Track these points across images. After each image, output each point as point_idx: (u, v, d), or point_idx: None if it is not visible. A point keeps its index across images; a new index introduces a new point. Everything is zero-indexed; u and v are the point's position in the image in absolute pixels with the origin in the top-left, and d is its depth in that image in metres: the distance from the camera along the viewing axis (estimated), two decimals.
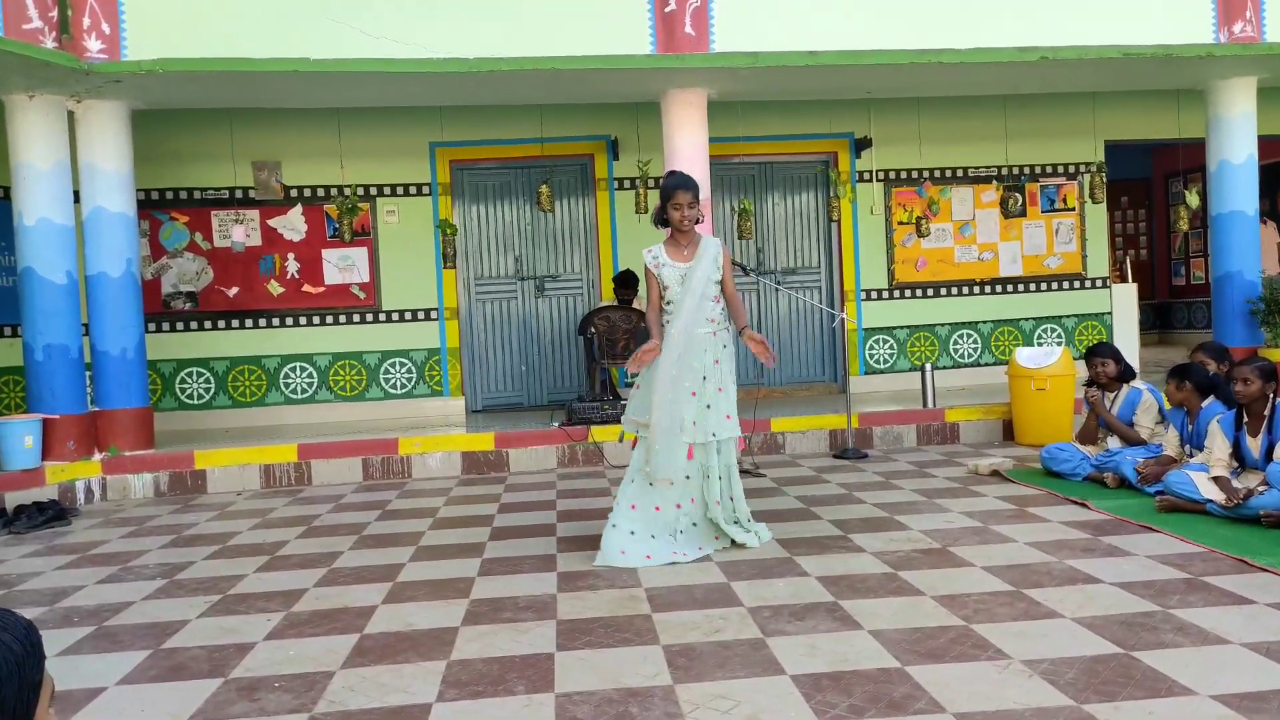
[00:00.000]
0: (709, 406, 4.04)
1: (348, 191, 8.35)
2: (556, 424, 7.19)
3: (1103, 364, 5.63)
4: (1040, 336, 9.38)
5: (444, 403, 8.70)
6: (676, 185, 4.03)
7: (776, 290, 9.26)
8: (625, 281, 8.05)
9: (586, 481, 6.35)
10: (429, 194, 8.71)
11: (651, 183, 8.21)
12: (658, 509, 3.94)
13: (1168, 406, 5.38)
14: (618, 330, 7.60)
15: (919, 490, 5.52)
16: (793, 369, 9.34)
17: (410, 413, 8.59)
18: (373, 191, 8.62)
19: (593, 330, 8.00)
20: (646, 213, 7.92)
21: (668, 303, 4.08)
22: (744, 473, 6.51)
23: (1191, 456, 4.95)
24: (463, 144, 8.71)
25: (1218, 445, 4.59)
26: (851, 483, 5.88)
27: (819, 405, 8.18)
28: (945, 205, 9.25)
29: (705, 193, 7.04)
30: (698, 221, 4.09)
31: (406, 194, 8.68)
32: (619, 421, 7.14)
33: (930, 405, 7.50)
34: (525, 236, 9.04)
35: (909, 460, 6.66)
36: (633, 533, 3.89)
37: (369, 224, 8.61)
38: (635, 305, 8.03)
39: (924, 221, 8.73)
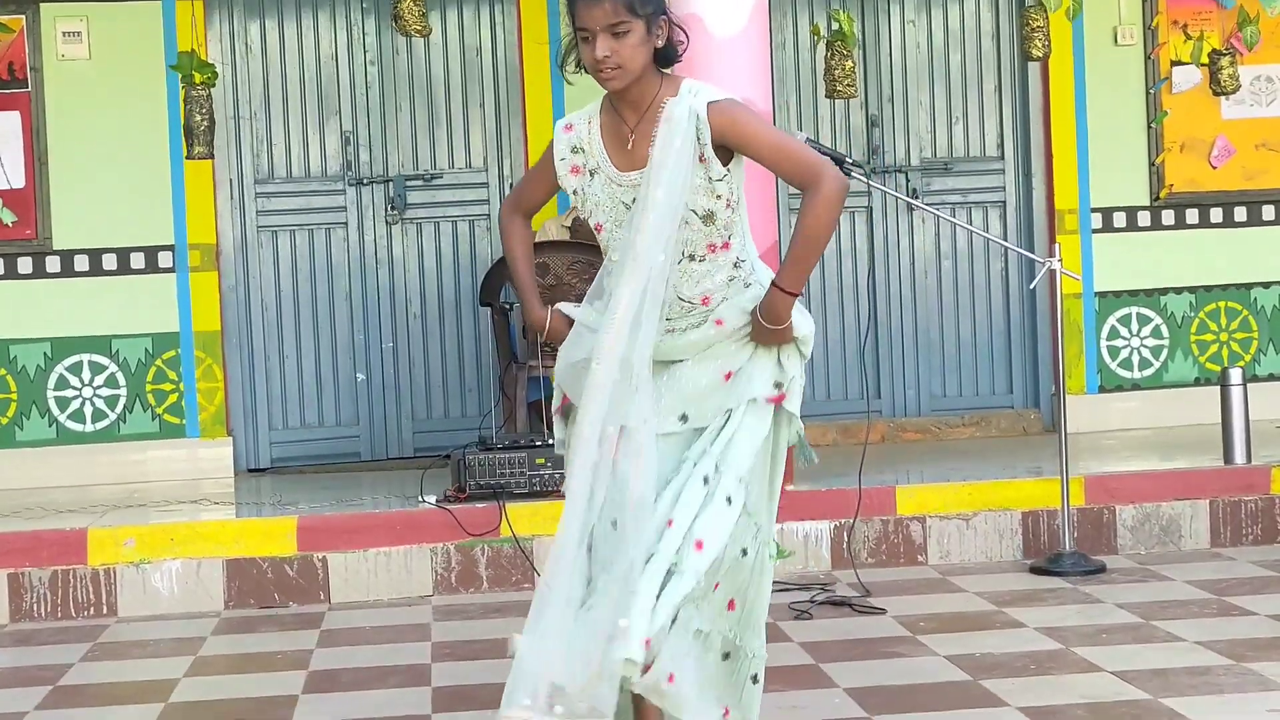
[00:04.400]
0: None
1: None
2: (432, 499, 7.17)
3: None
4: None
5: (189, 452, 8.70)
6: None
7: (909, 210, 9.22)
8: None
9: (498, 624, 6.31)
10: None
11: None
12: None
13: None
14: (565, 293, 7.55)
15: (1227, 651, 5.49)
16: (944, 381, 9.35)
17: (115, 472, 8.57)
18: None
19: (510, 296, 7.92)
20: None
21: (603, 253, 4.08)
22: (823, 602, 6.47)
23: None
24: None
25: None
26: (1071, 631, 5.86)
27: (999, 459, 8.11)
28: (1272, 25, 9.19)
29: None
30: (671, 63, 4.01)
31: None
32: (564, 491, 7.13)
33: (1240, 459, 7.49)
34: (364, 92, 9.00)
35: (1196, 578, 6.63)
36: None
37: (22, 62, 8.53)
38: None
39: (1228, 61, 8.71)
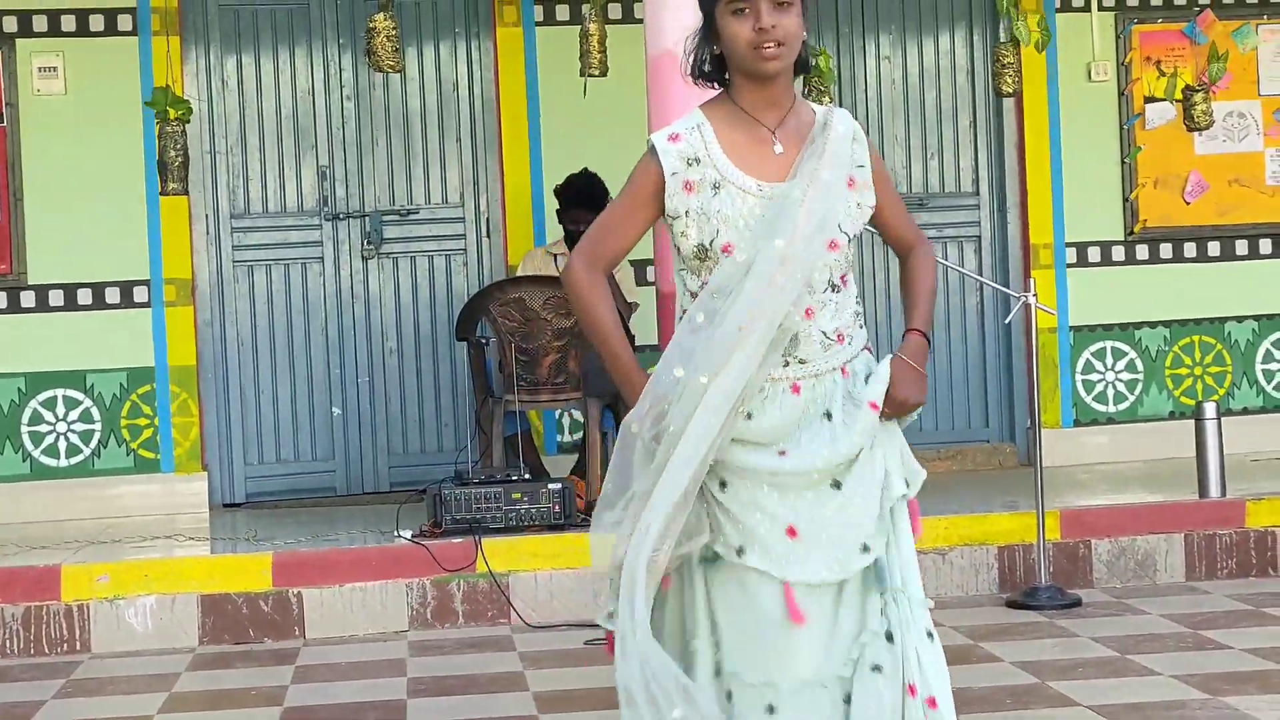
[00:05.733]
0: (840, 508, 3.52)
1: None
2: (408, 534, 7.15)
3: None
4: None
5: (163, 487, 8.67)
6: None
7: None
8: (578, 199, 8.04)
9: (473, 660, 6.30)
10: (133, 33, 8.67)
11: (623, 9, 8.16)
12: None
13: None
14: (541, 328, 7.54)
15: (1203, 685, 5.49)
16: (919, 415, 9.26)
17: (89, 508, 8.53)
18: (9, 28, 8.56)
19: (486, 331, 7.90)
20: (599, 70, 7.90)
21: (716, 289, 3.43)
22: None
23: None
24: None
25: None
26: (1048, 665, 5.86)
27: (975, 493, 8.13)
28: (1244, 62, 9.28)
29: None
30: (806, 68, 3.62)
31: (83, 33, 8.64)
32: (541, 526, 7.10)
33: (1215, 493, 7.51)
34: (343, 127, 9.00)
35: (1172, 612, 6.63)
36: None
37: None
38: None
39: (1201, 97, 8.75)
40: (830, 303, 3.49)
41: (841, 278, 3.52)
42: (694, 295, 3.48)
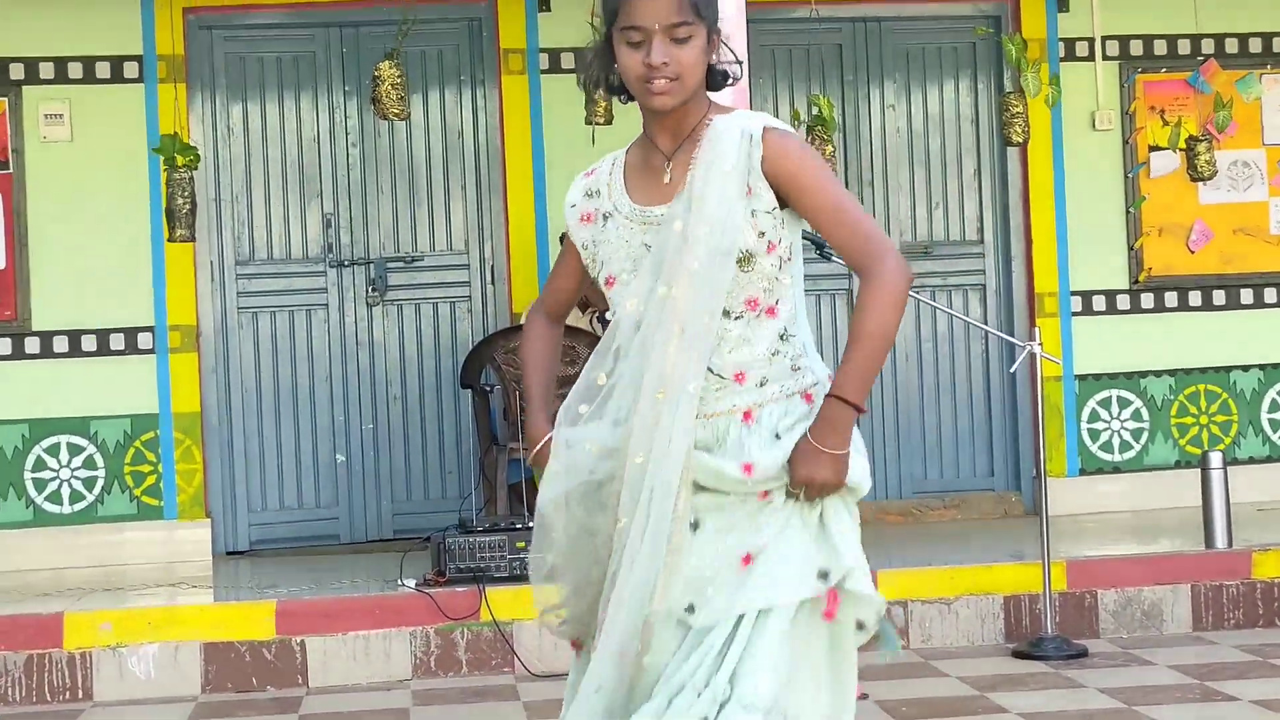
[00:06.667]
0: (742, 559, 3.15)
1: None
2: (412, 583, 7.15)
3: None
4: None
5: (167, 534, 8.66)
6: None
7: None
8: None
9: (477, 709, 6.31)
10: (139, 80, 8.72)
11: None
12: None
13: None
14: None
15: None
16: (925, 464, 9.35)
17: (92, 554, 8.54)
18: (15, 75, 8.61)
19: (491, 379, 7.90)
20: (605, 119, 7.91)
21: (607, 315, 3.40)
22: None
23: None
24: None
25: None
26: (1054, 716, 5.86)
27: (981, 543, 8.13)
28: (1249, 111, 9.32)
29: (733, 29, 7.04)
30: (720, 86, 3.30)
31: (90, 80, 8.69)
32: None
33: (1221, 543, 7.51)
34: (348, 174, 9.04)
35: (1179, 663, 6.63)
36: None
37: (5, 145, 8.56)
38: (605, 318, 8.03)
39: (1205, 147, 8.77)
40: (724, 334, 3.13)
41: (749, 303, 3.15)
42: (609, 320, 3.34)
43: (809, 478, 3.08)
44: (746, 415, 3.15)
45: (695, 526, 3.14)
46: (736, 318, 3.14)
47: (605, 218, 3.28)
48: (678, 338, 3.11)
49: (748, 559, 3.11)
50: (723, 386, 3.14)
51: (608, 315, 3.17)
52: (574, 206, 3.36)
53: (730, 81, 3.31)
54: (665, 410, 3.11)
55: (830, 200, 3.16)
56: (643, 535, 3.10)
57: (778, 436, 3.15)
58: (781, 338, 3.18)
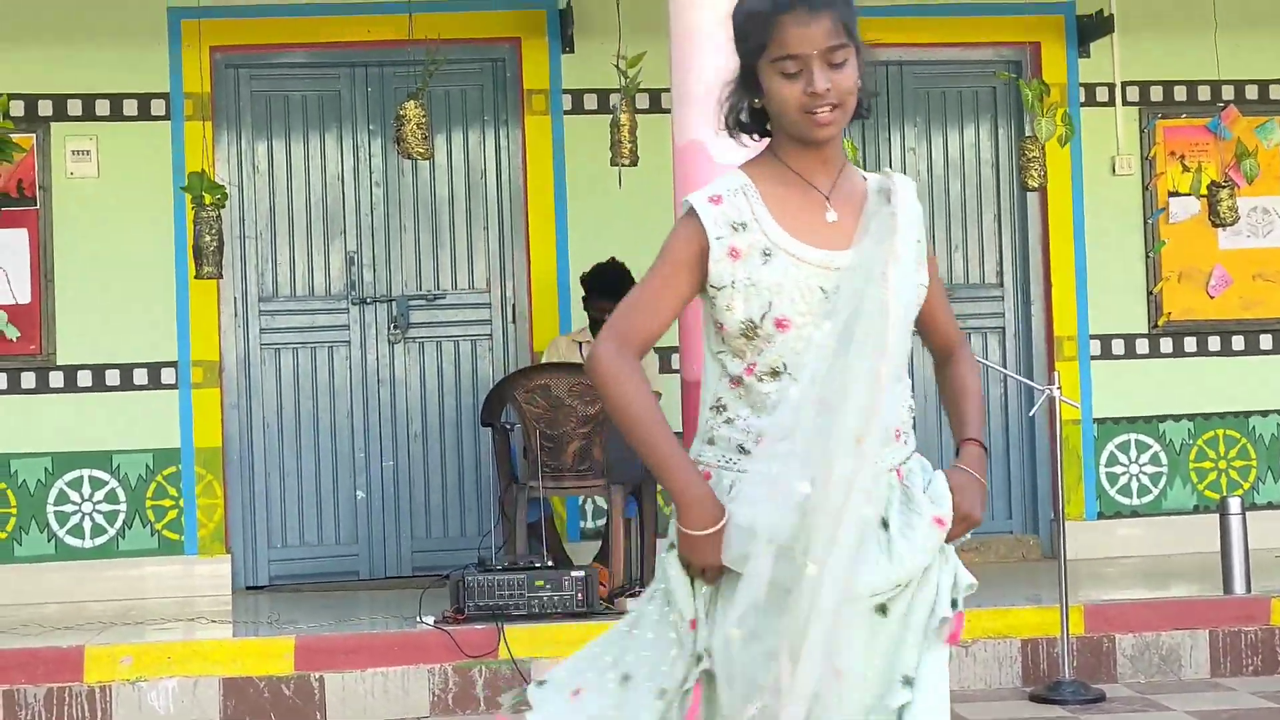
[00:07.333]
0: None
1: None
2: (431, 620, 7.14)
3: None
4: None
5: (185, 568, 8.68)
6: (788, 1, 2.99)
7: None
8: (604, 287, 8.09)
9: None
10: (166, 118, 8.78)
11: (650, 99, 8.23)
12: None
13: None
14: (566, 415, 7.55)
15: None
16: None
17: (113, 588, 8.55)
18: (44, 112, 8.67)
19: (511, 417, 7.91)
20: (629, 160, 7.94)
21: (766, 372, 3.05)
22: None
23: None
24: (241, 13, 8.76)
25: None
26: None
27: (999, 586, 8.10)
28: (1268, 158, 9.30)
29: None
30: (863, 115, 3.16)
31: (117, 117, 8.76)
32: (563, 613, 7.08)
33: (1240, 589, 7.47)
34: (371, 213, 9.09)
35: (1196, 709, 6.60)
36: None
37: (32, 181, 8.60)
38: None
39: (1227, 193, 8.77)
40: (896, 394, 3.08)
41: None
42: (735, 381, 3.07)
43: (971, 510, 3.15)
44: (898, 472, 3.11)
45: (883, 611, 3.05)
46: (899, 380, 3.10)
47: (765, 254, 3.02)
48: (877, 391, 2.98)
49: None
50: (889, 444, 3.08)
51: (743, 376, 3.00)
52: (720, 239, 3.04)
53: (864, 113, 3.15)
54: (866, 464, 2.96)
55: (941, 286, 3.32)
56: (838, 580, 2.93)
57: (924, 490, 3.15)
58: (911, 395, 3.20)
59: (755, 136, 3.18)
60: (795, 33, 2.94)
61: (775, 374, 3.03)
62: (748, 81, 3.08)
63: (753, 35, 3.01)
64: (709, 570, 3.01)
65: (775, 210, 3.05)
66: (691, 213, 3.06)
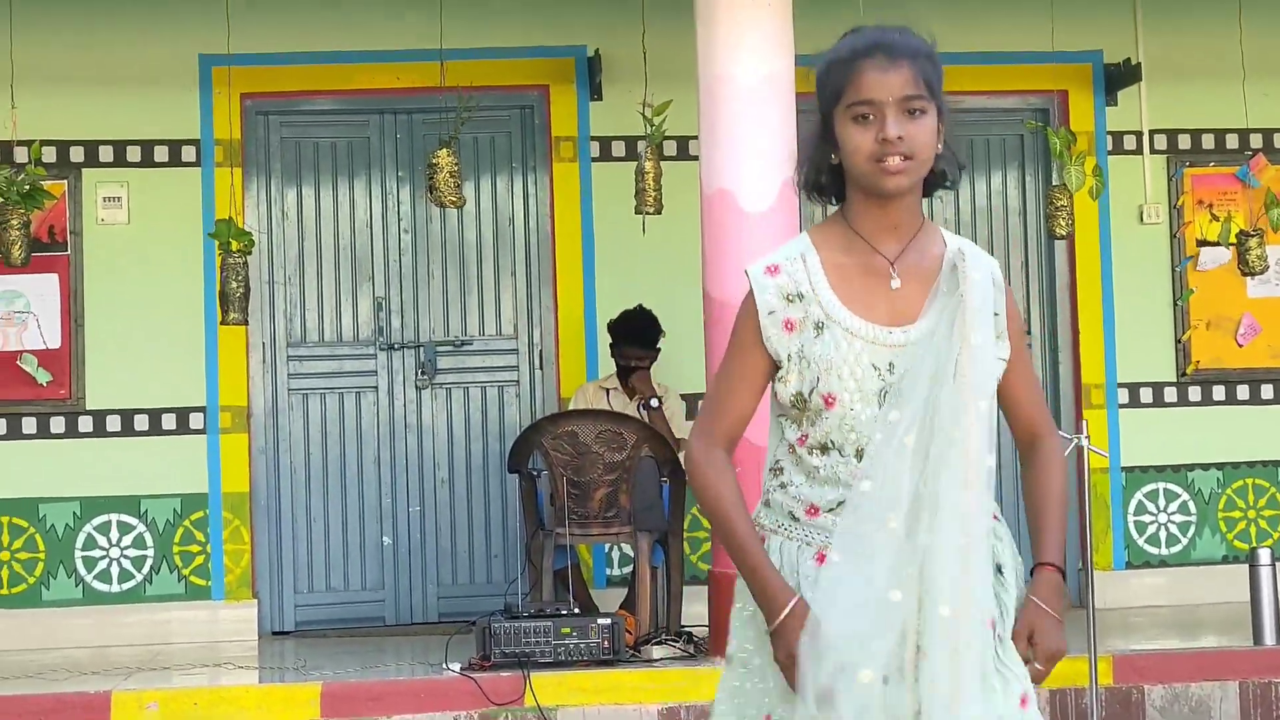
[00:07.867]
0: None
1: (20, 158, 8.33)
2: (457, 666, 7.12)
3: None
4: None
5: (211, 613, 8.68)
6: (867, 49, 2.94)
7: None
8: (631, 335, 8.13)
9: None
10: (196, 164, 8.82)
11: (677, 147, 8.29)
12: None
13: None
14: (593, 462, 7.54)
15: None
16: None
17: (140, 633, 8.55)
18: (75, 158, 8.72)
19: (538, 464, 7.90)
20: (654, 208, 7.95)
21: (816, 445, 2.97)
22: None
23: None
24: (271, 61, 8.84)
25: None
26: None
27: None
28: None
29: (784, 118, 7.07)
30: (938, 186, 3.13)
31: (148, 164, 8.80)
32: (590, 661, 7.07)
33: (1270, 640, 7.44)
34: (399, 259, 9.12)
35: None
36: None
37: (64, 226, 8.65)
38: (651, 405, 8.05)
39: (1257, 242, 8.76)
40: (989, 484, 2.94)
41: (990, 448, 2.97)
42: (791, 448, 2.99)
43: (1051, 650, 2.98)
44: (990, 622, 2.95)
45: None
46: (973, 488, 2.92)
47: (819, 327, 2.93)
48: (968, 480, 2.86)
49: (1024, 700, 2.95)
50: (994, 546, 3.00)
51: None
52: (773, 313, 2.94)
53: (949, 184, 3.10)
54: (971, 557, 2.87)
55: (1026, 362, 3.12)
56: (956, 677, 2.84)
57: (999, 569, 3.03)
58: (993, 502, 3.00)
59: (833, 200, 3.09)
60: (872, 78, 2.89)
61: (825, 449, 2.94)
62: (826, 134, 3.00)
63: (831, 83, 2.95)
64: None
65: (834, 279, 2.96)
66: (751, 286, 2.99)
